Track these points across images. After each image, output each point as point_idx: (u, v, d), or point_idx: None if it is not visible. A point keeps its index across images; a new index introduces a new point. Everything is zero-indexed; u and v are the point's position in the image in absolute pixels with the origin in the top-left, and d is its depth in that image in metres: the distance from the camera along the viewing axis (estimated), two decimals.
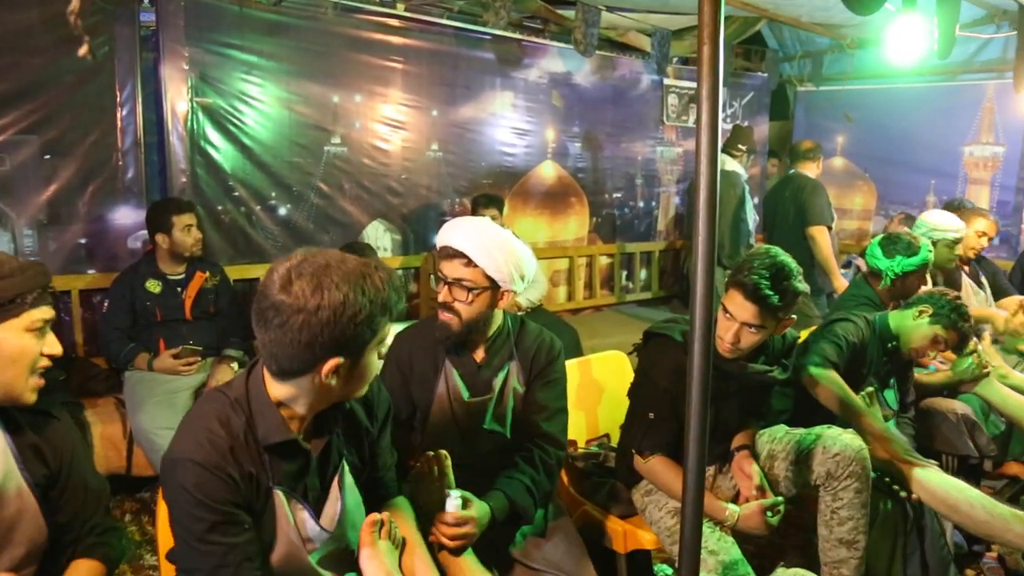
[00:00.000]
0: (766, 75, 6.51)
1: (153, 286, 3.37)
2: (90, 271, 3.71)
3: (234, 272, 3.89)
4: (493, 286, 1.94)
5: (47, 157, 3.52)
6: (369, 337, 1.34)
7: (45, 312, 1.39)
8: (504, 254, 1.90)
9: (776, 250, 2.08)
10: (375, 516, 1.50)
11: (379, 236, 4.73)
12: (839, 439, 2.15)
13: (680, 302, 6.05)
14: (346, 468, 1.55)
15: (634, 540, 2.28)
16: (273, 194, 4.24)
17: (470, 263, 1.90)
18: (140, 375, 3.23)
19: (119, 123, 3.69)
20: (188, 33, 3.80)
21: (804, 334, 3.36)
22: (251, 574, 1.35)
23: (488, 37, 4.95)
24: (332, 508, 1.52)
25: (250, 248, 4.17)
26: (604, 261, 5.97)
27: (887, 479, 2.35)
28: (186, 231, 3.32)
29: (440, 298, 1.95)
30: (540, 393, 2.04)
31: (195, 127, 3.89)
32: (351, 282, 1.28)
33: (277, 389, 1.38)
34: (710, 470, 2.33)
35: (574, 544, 1.98)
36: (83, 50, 3.49)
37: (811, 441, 2.20)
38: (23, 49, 3.39)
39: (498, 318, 2.05)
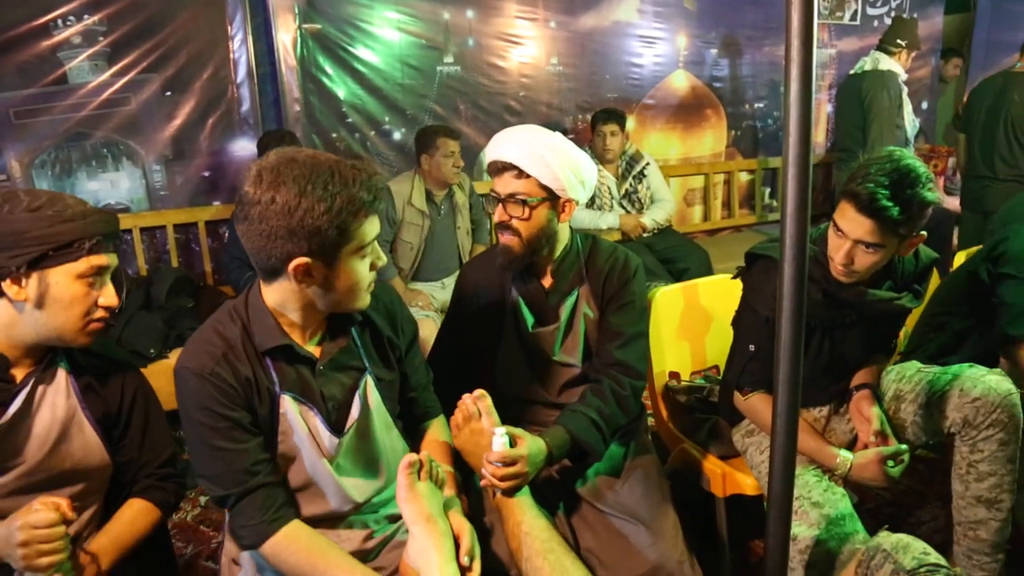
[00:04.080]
0: None
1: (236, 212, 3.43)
2: (215, 203, 3.86)
3: None
4: (551, 196, 1.76)
5: (168, 94, 3.65)
6: (336, 237, 1.27)
7: (102, 260, 1.38)
8: (558, 158, 1.72)
9: (901, 152, 1.72)
10: (412, 457, 1.41)
11: None
12: (981, 381, 1.80)
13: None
14: (370, 380, 1.51)
15: (733, 484, 2.06)
16: (387, 119, 4.19)
17: (521, 174, 1.73)
18: None
19: (232, 56, 3.75)
20: None
21: None
22: (261, 473, 1.36)
23: None
24: (352, 418, 1.49)
25: None
26: (744, 178, 5.52)
27: None
28: None
29: (496, 218, 1.79)
30: (614, 318, 1.85)
31: (305, 55, 3.89)
32: (311, 176, 1.24)
33: (268, 294, 1.39)
34: (823, 411, 2.05)
35: (653, 488, 1.79)
36: None
37: (946, 382, 1.86)
38: None
39: (565, 238, 1.87)
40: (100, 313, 1.41)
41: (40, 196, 1.33)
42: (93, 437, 1.47)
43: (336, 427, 1.47)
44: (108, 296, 1.41)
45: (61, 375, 1.45)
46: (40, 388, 1.41)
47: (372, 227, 1.33)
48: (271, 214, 1.23)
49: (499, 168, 1.76)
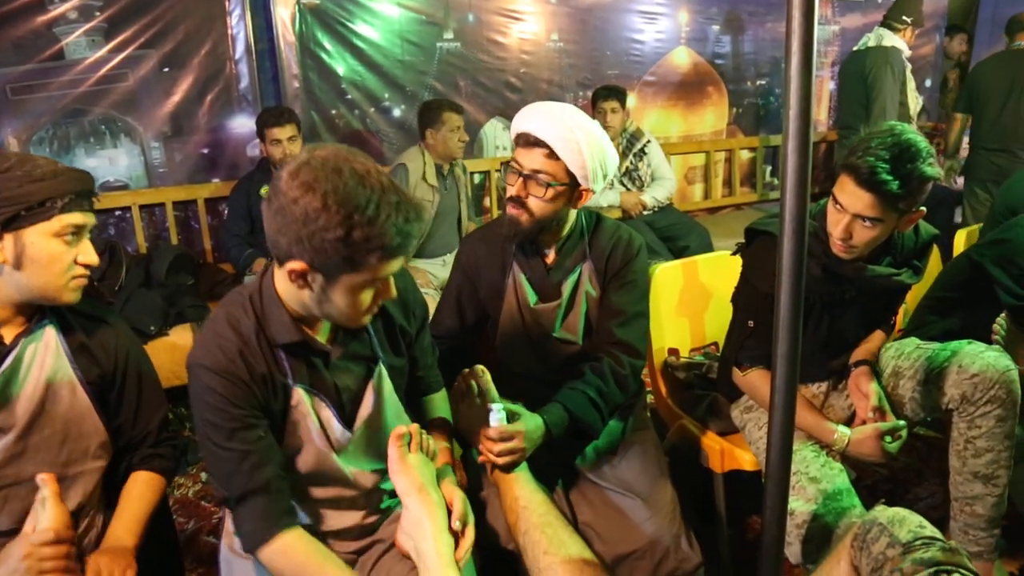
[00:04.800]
0: None
1: (268, 193, 3.42)
2: (214, 180, 3.85)
3: None
4: (572, 183, 1.72)
5: (166, 70, 3.62)
6: (341, 263, 1.19)
7: (77, 218, 1.37)
8: (591, 148, 1.67)
9: (902, 126, 1.71)
10: (401, 429, 1.40)
11: (498, 135, 4.57)
12: (980, 357, 1.79)
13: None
14: (383, 371, 1.47)
15: (731, 460, 2.07)
16: (386, 95, 4.17)
17: (552, 155, 1.68)
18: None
19: (230, 32, 3.71)
20: None
21: None
22: (266, 477, 1.32)
23: None
24: (364, 411, 1.46)
25: (365, 151, 4.10)
26: (745, 156, 5.49)
27: None
28: (275, 145, 3.32)
29: (512, 191, 1.74)
30: (615, 296, 1.84)
31: (304, 31, 3.85)
32: (346, 196, 1.14)
33: (278, 280, 1.32)
34: (822, 387, 2.05)
35: (651, 463, 1.80)
36: None
37: (945, 358, 1.86)
38: None
39: (571, 217, 1.85)
40: (80, 271, 1.40)
41: (9, 158, 1.33)
42: (84, 400, 1.47)
43: (348, 419, 1.45)
44: (87, 253, 1.40)
45: (50, 334, 1.44)
46: (30, 348, 1.42)
47: (390, 267, 1.25)
48: (288, 213, 1.15)
49: (530, 142, 1.69)
